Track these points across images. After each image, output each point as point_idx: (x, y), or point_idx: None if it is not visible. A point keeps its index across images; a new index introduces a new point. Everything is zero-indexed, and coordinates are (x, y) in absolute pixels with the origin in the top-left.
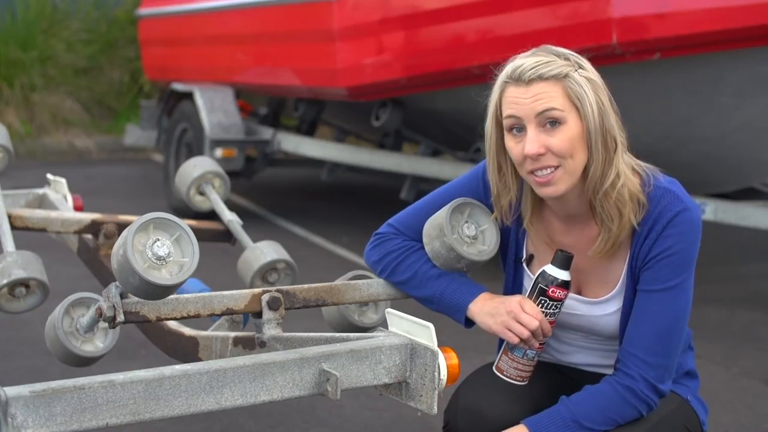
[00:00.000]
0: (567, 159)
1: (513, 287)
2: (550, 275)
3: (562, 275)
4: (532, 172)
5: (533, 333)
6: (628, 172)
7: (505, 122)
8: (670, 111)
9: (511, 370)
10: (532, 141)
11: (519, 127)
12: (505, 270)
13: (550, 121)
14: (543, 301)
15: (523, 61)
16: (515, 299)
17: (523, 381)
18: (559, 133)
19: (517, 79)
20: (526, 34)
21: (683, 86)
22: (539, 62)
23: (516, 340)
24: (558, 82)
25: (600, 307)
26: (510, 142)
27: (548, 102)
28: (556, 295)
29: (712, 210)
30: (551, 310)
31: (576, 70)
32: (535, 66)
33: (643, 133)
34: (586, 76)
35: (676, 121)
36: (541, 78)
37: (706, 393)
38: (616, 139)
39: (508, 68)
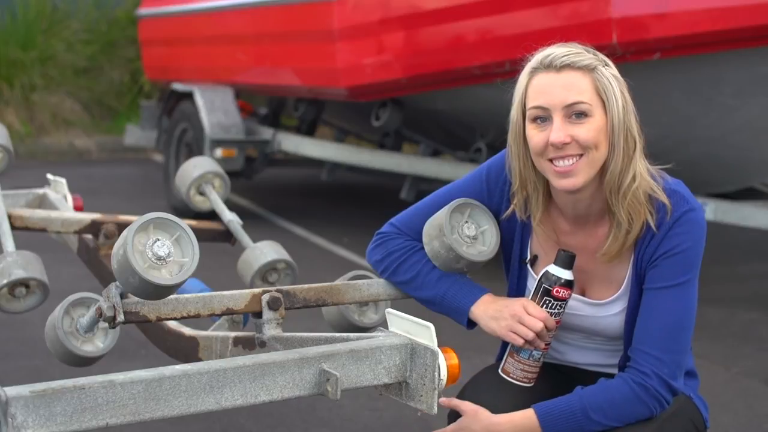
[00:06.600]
0: (591, 149)
1: (518, 288)
2: (553, 275)
3: (566, 275)
4: (551, 161)
5: (538, 334)
6: (645, 174)
7: (530, 113)
8: (670, 111)
9: (517, 372)
10: (558, 130)
11: (543, 118)
12: (509, 271)
13: (577, 114)
14: (547, 301)
15: (554, 50)
16: (519, 302)
17: (530, 382)
18: (586, 124)
19: (548, 66)
20: (526, 34)
21: (683, 86)
22: (570, 52)
23: (521, 342)
24: (587, 74)
25: (605, 308)
26: (532, 130)
27: (578, 95)
28: (560, 295)
29: (712, 210)
30: (555, 310)
31: (604, 66)
32: (567, 54)
33: (643, 133)
34: (612, 73)
35: (676, 121)
36: (572, 66)
37: (706, 393)
38: (636, 138)
39: (537, 57)
